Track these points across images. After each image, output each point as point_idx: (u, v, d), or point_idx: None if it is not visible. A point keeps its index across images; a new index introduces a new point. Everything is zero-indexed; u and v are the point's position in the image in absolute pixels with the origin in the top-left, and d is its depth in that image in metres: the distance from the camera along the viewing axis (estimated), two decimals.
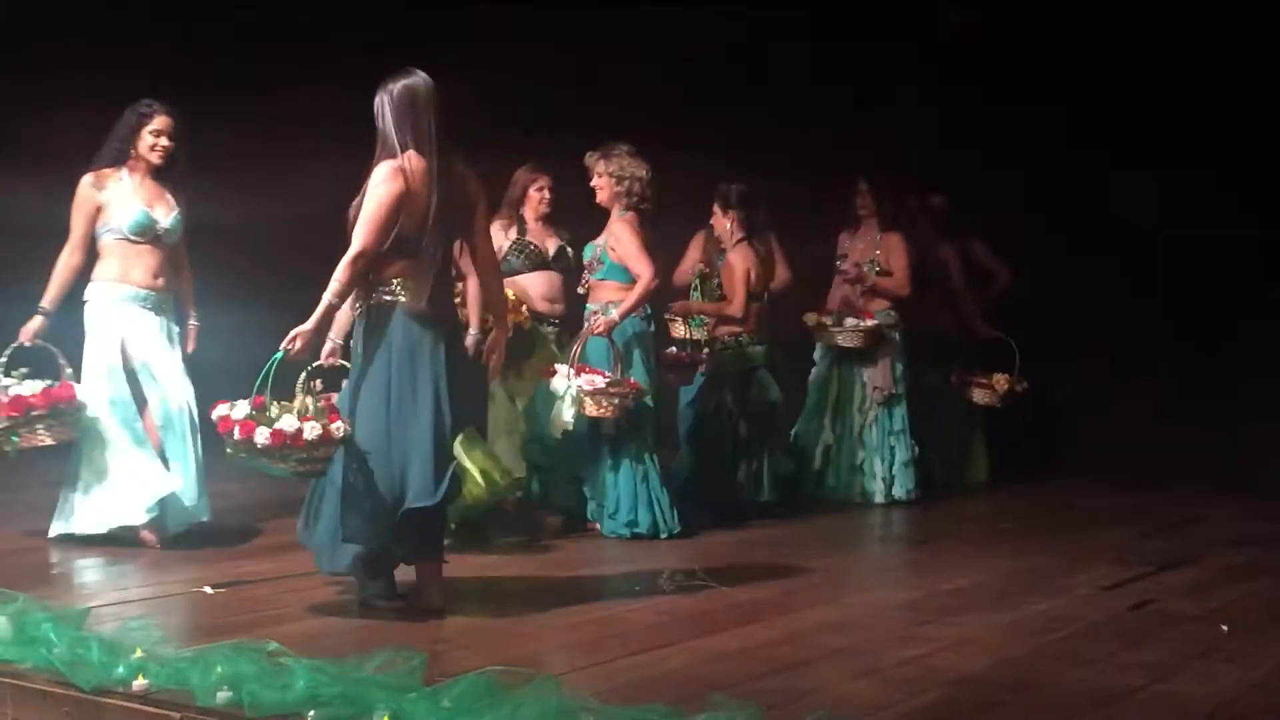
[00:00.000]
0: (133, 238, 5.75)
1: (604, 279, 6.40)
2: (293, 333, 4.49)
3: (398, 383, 4.56)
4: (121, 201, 5.77)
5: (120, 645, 3.77)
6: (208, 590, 4.94)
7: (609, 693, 3.54)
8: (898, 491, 7.61)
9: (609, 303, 6.33)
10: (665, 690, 3.64)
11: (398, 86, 4.61)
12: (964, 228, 8.44)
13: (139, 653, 3.72)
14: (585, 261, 6.51)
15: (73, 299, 5.85)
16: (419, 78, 4.63)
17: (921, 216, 8.23)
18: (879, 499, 7.58)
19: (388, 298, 4.59)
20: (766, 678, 3.87)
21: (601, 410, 6.07)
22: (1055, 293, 8.45)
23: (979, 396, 8.08)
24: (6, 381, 5.62)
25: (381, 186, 4.54)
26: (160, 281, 5.83)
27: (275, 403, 4.43)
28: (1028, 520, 7.16)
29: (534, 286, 6.52)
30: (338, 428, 4.45)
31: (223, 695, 3.48)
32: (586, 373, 6.11)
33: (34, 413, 5.56)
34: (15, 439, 5.59)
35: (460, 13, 8.66)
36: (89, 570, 5.42)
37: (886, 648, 4.26)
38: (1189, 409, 8.20)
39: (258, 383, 4.45)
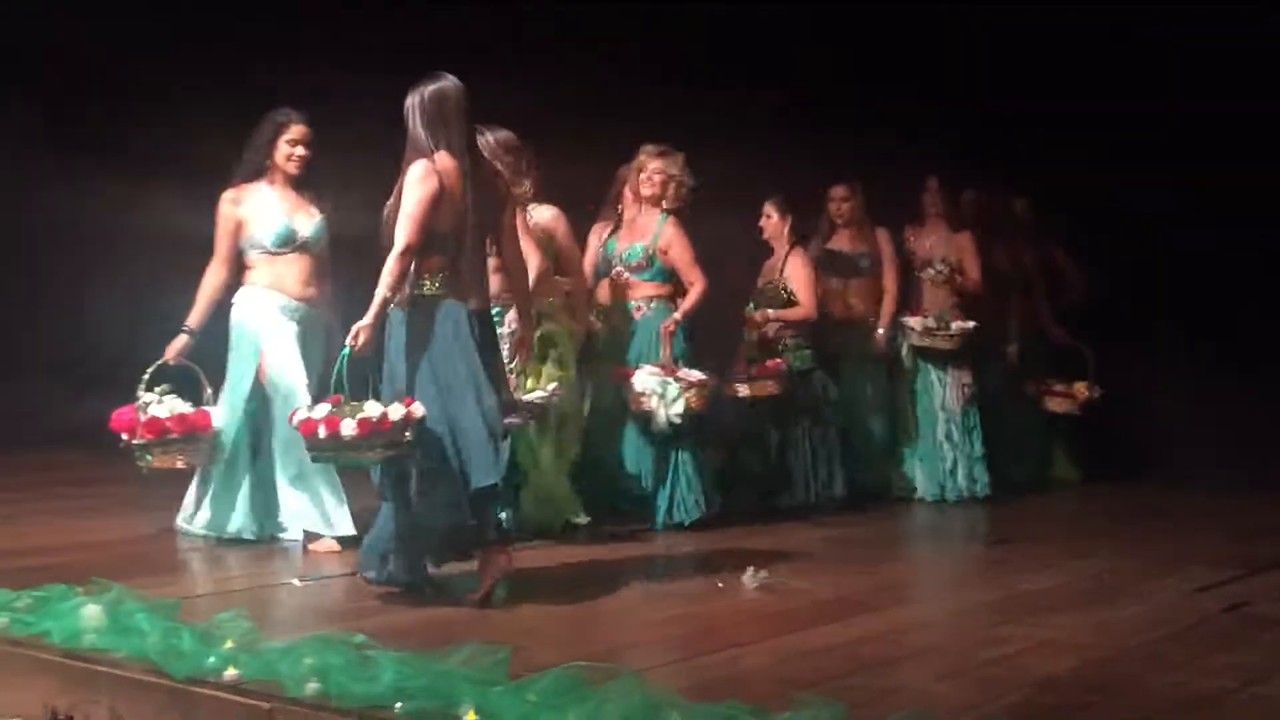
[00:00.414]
0: (275, 249, 5.75)
1: (650, 279, 6.53)
2: (355, 329, 4.67)
3: (445, 371, 4.72)
4: (262, 214, 5.76)
5: (212, 636, 3.85)
6: (296, 583, 5.02)
7: (692, 689, 3.54)
8: (979, 490, 7.57)
9: (652, 299, 6.51)
10: (748, 688, 3.64)
11: (429, 90, 4.80)
12: (1045, 233, 8.40)
13: (230, 644, 3.79)
14: (626, 260, 6.58)
15: (219, 316, 5.89)
16: (450, 81, 4.84)
17: (1005, 219, 8.19)
18: (953, 496, 7.56)
19: (429, 291, 4.75)
20: (849, 676, 3.86)
21: (699, 404, 6.24)
22: (1141, 293, 8.31)
23: (1057, 405, 8.05)
24: (148, 398, 5.67)
25: (418, 185, 4.71)
26: (309, 291, 5.82)
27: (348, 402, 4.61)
28: (1115, 522, 7.07)
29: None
30: (417, 407, 4.59)
31: (311, 686, 3.53)
32: (668, 370, 6.22)
33: (169, 436, 5.64)
34: (149, 458, 5.68)
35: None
36: (183, 560, 5.51)
37: (971, 648, 4.22)
38: None
39: (333, 381, 4.66)
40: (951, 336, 7.56)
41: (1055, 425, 8.29)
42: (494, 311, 5.56)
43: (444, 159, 4.74)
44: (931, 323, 7.57)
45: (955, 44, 8.37)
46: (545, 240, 6.12)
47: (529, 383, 5.81)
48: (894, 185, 7.98)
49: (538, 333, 5.79)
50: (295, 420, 4.68)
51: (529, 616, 4.63)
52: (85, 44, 9.30)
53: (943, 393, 7.68)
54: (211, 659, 3.73)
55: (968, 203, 8.05)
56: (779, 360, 7.05)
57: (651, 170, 6.55)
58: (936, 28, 8.35)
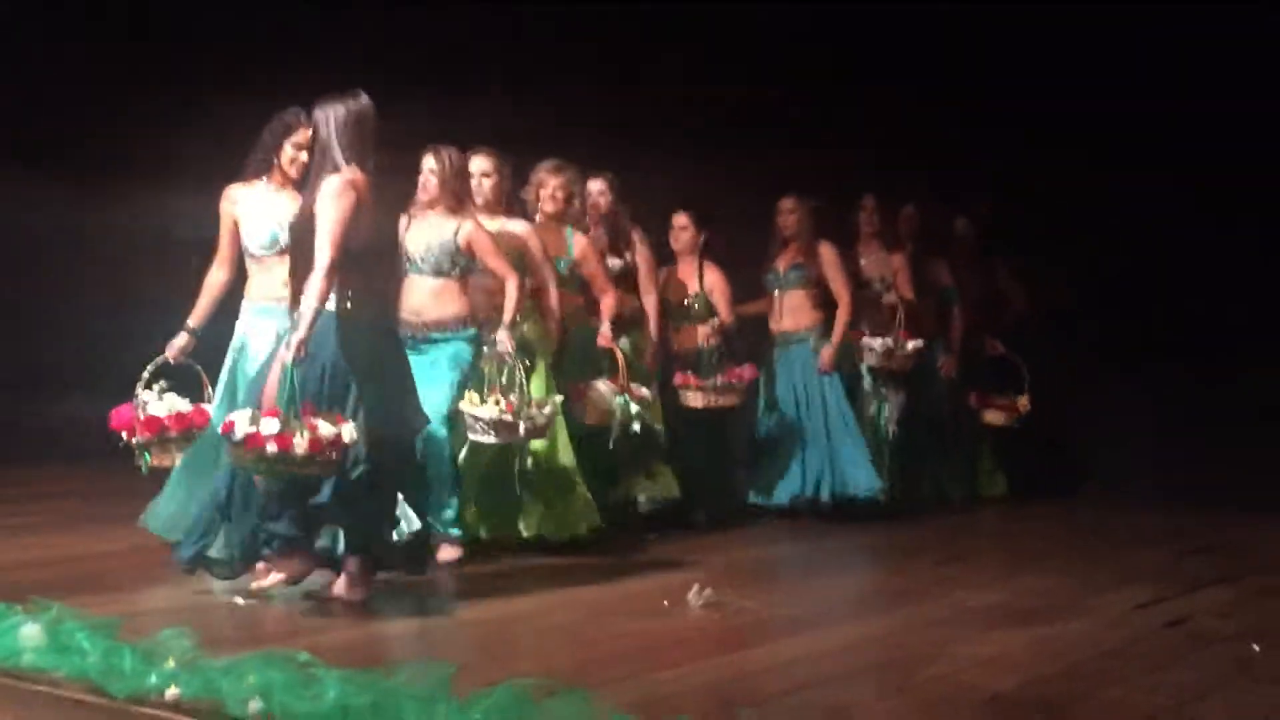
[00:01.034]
0: (259, 254, 5.64)
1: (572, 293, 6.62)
2: (295, 341, 4.68)
3: (367, 388, 4.81)
4: (253, 216, 5.66)
5: (153, 654, 3.80)
6: (238, 601, 4.97)
7: (637, 706, 3.53)
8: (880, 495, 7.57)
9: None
10: (693, 705, 3.64)
11: (352, 108, 4.86)
12: (987, 250, 8.51)
13: (171, 662, 3.75)
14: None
15: (223, 315, 5.81)
16: (365, 100, 4.90)
17: (944, 233, 8.29)
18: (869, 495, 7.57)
19: (346, 310, 4.81)
20: (794, 693, 3.87)
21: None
22: (1086, 309, 8.41)
23: (994, 417, 8.14)
24: (146, 397, 5.61)
25: (339, 200, 4.77)
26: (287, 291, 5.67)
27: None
28: (1059, 539, 7.13)
29: None
30: (349, 429, 4.65)
31: (254, 705, 3.50)
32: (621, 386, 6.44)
33: (167, 434, 5.58)
34: (147, 456, 5.63)
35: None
36: (124, 578, 5.45)
37: (916, 665, 4.24)
38: (1223, 428, 8.12)
39: (280, 395, 4.63)
40: (907, 357, 7.61)
41: (984, 439, 8.37)
42: (469, 333, 5.78)
43: (358, 174, 4.80)
44: (890, 342, 7.58)
45: (919, 51, 8.45)
46: (517, 254, 6.12)
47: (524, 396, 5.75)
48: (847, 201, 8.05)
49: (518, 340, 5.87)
50: (236, 433, 4.63)
51: (473, 634, 4.62)
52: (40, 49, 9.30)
53: (882, 410, 7.73)
54: (153, 678, 3.68)
55: (906, 218, 8.10)
56: (750, 367, 7.13)
57: (553, 187, 6.54)
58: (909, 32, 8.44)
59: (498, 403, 5.57)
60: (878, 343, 7.60)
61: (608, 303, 6.54)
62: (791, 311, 7.65)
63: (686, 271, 7.31)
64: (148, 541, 6.22)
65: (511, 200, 6.34)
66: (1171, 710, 3.78)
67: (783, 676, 4.08)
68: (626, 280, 6.89)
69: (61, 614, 4.09)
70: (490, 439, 5.64)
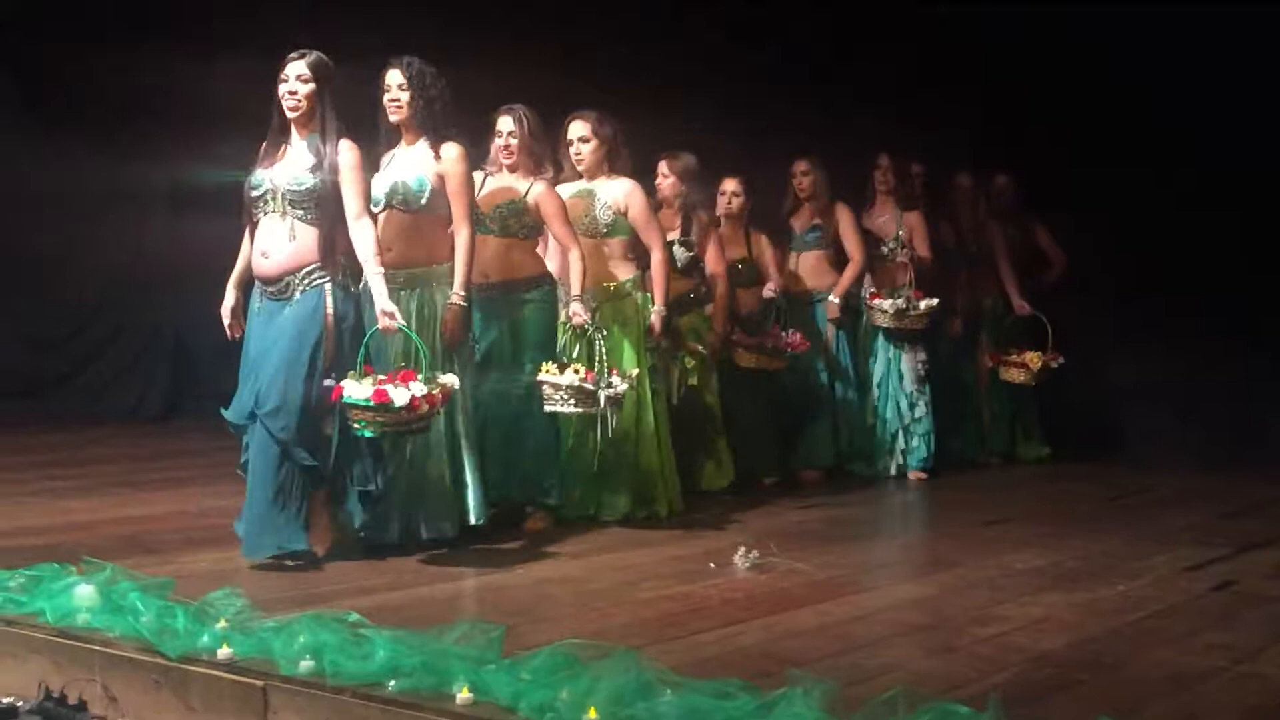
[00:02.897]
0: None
1: None
2: (389, 309, 4.87)
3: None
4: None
5: (205, 615, 3.86)
6: (289, 563, 5.01)
7: (686, 667, 3.55)
8: (919, 463, 7.66)
9: None
10: (742, 666, 3.65)
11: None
12: (1026, 210, 8.44)
13: (223, 622, 3.80)
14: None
15: None
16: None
17: (978, 195, 8.23)
18: (895, 470, 7.67)
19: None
20: (842, 655, 3.88)
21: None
22: (1124, 273, 8.32)
23: (1011, 375, 8.04)
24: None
25: (360, 169, 5.03)
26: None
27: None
28: (1105, 501, 7.08)
29: None
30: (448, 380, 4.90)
31: (305, 665, 3.54)
32: None
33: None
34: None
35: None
36: (175, 540, 5.50)
37: (962, 626, 4.24)
38: (1267, 387, 8.05)
39: (361, 357, 4.83)
40: (920, 316, 7.56)
41: (1014, 401, 8.34)
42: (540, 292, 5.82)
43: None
44: (901, 303, 7.53)
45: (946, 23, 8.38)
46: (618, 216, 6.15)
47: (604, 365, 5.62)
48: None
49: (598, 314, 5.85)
50: (361, 394, 4.69)
51: (522, 596, 4.64)
52: None
53: (899, 371, 7.69)
54: (205, 638, 3.74)
55: (914, 175, 8.03)
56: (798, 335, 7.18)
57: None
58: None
59: (576, 371, 5.47)
60: (888, 303, 7.54)
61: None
62: (808, 273, 7.65)
63: (733, 237, 7.28)
64: (192, 505, 6.31)
65: (616, 162, 6.20)
66: (1222, 670, 3.76)
67: (830, 638, 4.08)
68: (695, 270, 6.88)
69: (115, 574, 4.16)
70: (569, 409, 5.50)
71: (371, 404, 4.66)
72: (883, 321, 7.60)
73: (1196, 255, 8.01)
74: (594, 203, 6.13)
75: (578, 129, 6.13)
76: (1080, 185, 8.28)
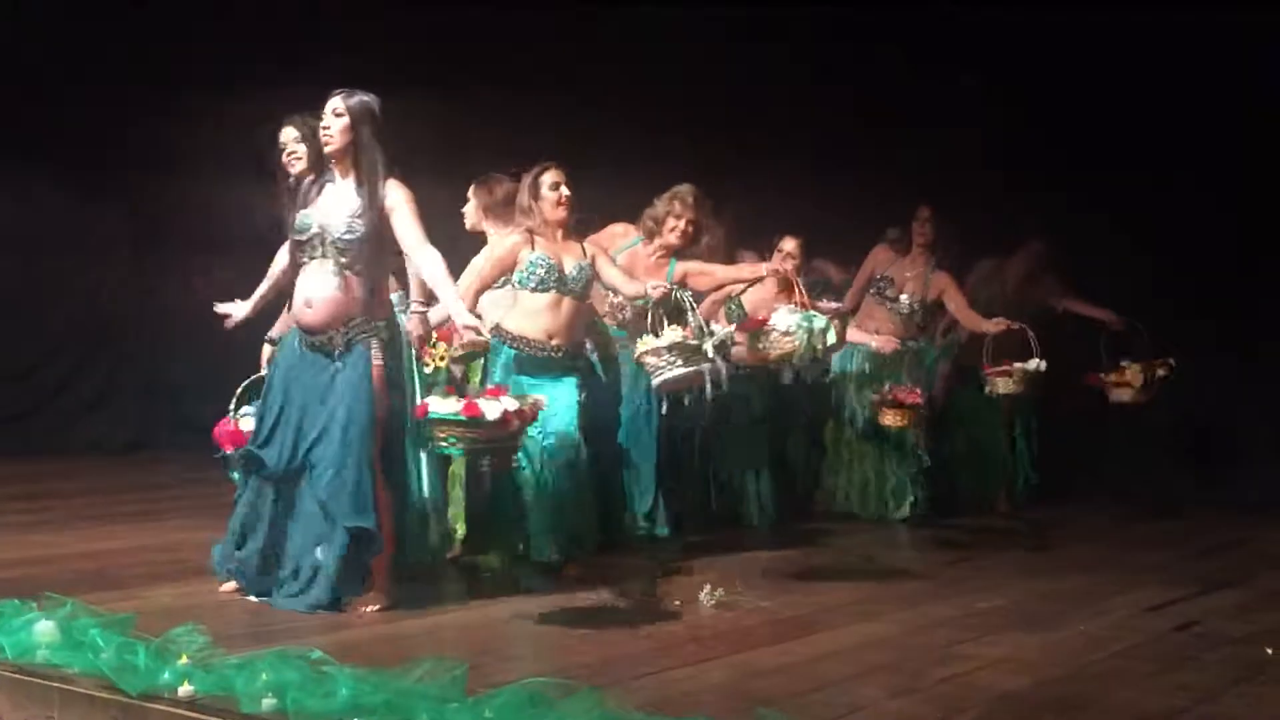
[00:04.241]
0: None
1: None
2: (470, 325, 4.75)
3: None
4: None
5: (166, 651, 3.82)
6: (253, 598, 4.99)
7: (651, 706, 3.55)
8: (911, 510, 7.65)
9: None
10: (707, 705, 3.65)
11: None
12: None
13: (185, 659, 3.77)
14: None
15: None
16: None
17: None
18: (898, 515, 7.65)
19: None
20: (808, 694, 3.87)
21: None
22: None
23: (1120, 394, 7.69)
24: (245, 411, 5.44)
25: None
26: None
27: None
28: (1066, 542, 7.12)
29: None
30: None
31: (267, 702, 3.52)
32: None
33: None
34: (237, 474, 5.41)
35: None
36: (137, 575, 5.46)
37: (926, 666, 4.25)
38: (1235, 430, 8.12)
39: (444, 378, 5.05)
40: (1040, 377, 7.40)
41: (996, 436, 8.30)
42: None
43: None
44: (1030, 368, 7.35)
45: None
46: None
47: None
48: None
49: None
50: (449, 408, 4.64)
51: (486, 634, 4.63)
52: None
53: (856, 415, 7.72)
54: (166, 674, 3.71)
55: (950, 227, 7.93)
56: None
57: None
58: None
59: (674, 330, 5.24)
60: (1032, 366, 7.32)
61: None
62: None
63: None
64: (156, 540, 6.27)
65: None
66: (1184, 711, 3.78)
67: (796, 676, 4.08)
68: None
69: (75, 610, 4.13)
70: (679, 370, 5.17)
71: (463, 418, 4.57)
72: (1009, 389, 7.41)
73: (1171, 285, 8.07)
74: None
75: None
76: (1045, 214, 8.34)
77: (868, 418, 7.56)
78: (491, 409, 4.60)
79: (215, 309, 5.50)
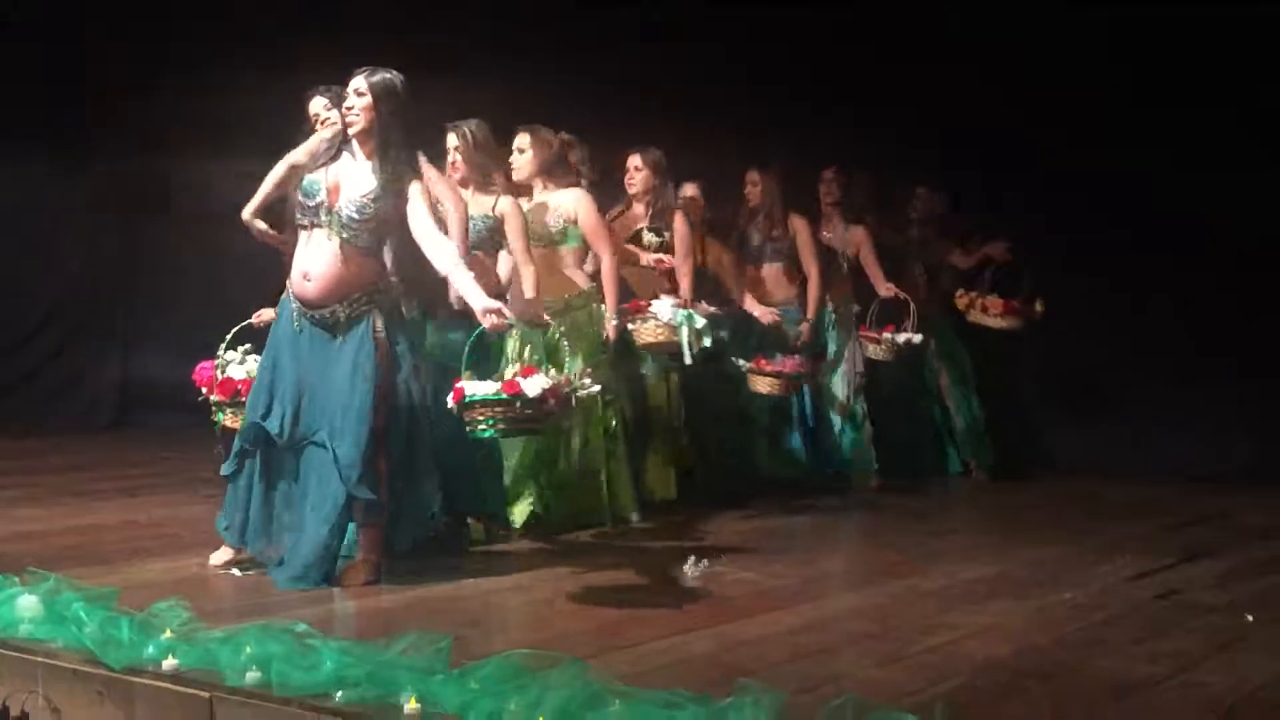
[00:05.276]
0: None
1: None
2: (491, 308, 4.65)
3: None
4: None
5: (150, 625, 3.82)
6: (236, 572, 4.99)
7: (635, 677, 3.55)
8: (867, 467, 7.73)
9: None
10: (691, 675, 3.66)
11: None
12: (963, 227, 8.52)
13: (168, 633, 3.77)
14: None
15: None
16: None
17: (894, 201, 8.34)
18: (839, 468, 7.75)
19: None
20: (790, 664, 3.89)
21: None
22: (1075, 284, 8.35)
23: (871, 352, 7.83)
24: (229, 357, 5.47)
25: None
26: None
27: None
28: (1051, 511, 7.14)
29: None
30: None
31: (251, 675, 3.52)
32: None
33: (240, 399, 5.41)
34: (221, 417, 5.45)
35: None
36: (121, 550, 5.46)
37: (909, 635, 4.27)
38: (1213, 400, 8.13)
39: (467, 361, 4.64)
40: (917, 348, 7.65)
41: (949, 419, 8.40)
42: None
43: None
44: (901, 340, 7.56)
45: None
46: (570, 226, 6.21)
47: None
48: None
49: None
50: (465, 396, 4.55)
51: (471, 605, 4.63)
52: None
53: (842, 381, 7.76)
54: (150, 648, 3.71)
55: (860, 183, 8.06)
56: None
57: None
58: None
59: (547, 372, 5.37)
60: (901, 338, 7.52)
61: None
62: (770, 286, 7.68)
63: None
64: (140, 515, 6.27)
65: (558, 171, 6.27)
66: (1165, 679, 3.80)
67: (779, 646, 4.10)
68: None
69: (59, 585, 4.12)
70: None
71: (503, 396, 4.48)
72: (878, 355, 7.63)
73: (1154, 262, 8.07)
74: (545, 212, 6.16)
75: (518, 140, 6.21)
76: (1014, 190, 8.34)
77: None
78: (531, 385, 4.51)
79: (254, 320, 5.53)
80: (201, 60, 9.04)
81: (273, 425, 4.88)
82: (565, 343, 5.29)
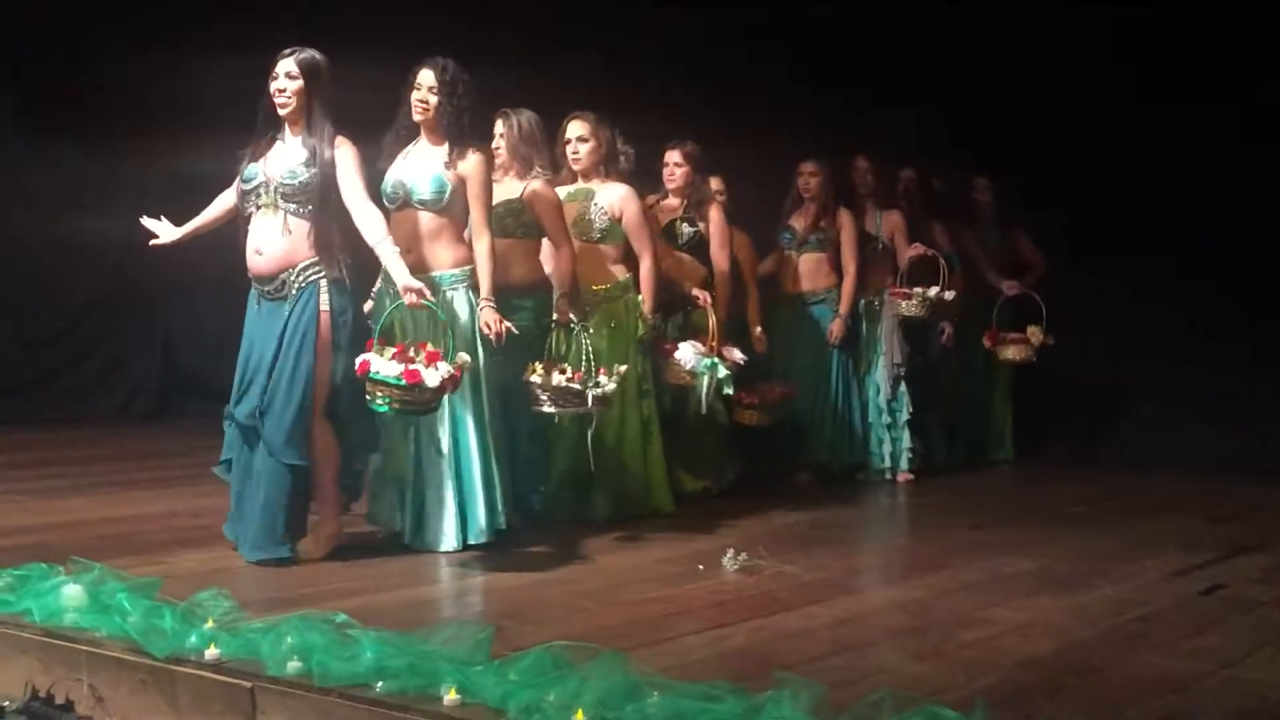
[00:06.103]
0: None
1: None
2: (413, 286, 4.95)
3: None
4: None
5: (193, 615, 3.85)
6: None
7: (674, 670, 3.55)
8: (903, 465, 7.65)
9: None
10: (729, 668, 3.66)
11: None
12: (1007, 214, 8.48)
13: (211, 623, 3.79)
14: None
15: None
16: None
17: (939, 197, 8.25)
18: (900, 472, 7.65)
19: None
20: (829, 657, 3.88)
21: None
22: (1110, 279, 8.29)
23: (1013, 353, 7.93)
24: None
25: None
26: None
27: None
28: (1092, 504, 7.09)
29: None
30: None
31: (293, 665, 3.54)
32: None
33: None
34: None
35: None
36: (163, 540, 5.49)
37: (950, 629, 4.25)
38: (1251, 394, 8.05)
39: (377, 330, 4.89)
40: (950, 304, 7.58)
41: (992, 401, 8.42)
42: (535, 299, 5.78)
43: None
44: (932, 294, 7.49)
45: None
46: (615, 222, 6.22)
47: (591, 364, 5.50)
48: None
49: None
50: (391, 371, 4.70)
51: (511, 597, 4.64)
52: None
53: (882, 373, 7.71)
54: (193, 638, 3.73)
55: (903, 179, 8.05)
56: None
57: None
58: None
59: (564, 371, 5.38)
60: (932, 292, 7.47)
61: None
62: (807, 275, 7.64)
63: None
64: (180, 506, 6.30)
65: (612, 165, 6.29)
66: (1209, 675, 3.77)
67: (818, 640, 4.09)
68: (700, 248, 6.84)
69: (103, 574, 4.16)
70: (556, 409, 5.36)
71: (403, 382, 4.66)
72: (911, 312, 7.53)
73: (1186, 253, 7.99)
74: (590, 205, 6.15)
75: (576, 129, 6.20)
76: (1055, 190, 8.28)
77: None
78: (431, 377, 4.68)
79: (141, 221, 5.57)
80: (246, 49, 9.01)
81: (241, 410, 5.06)
82: (585, 335, 5.54)
